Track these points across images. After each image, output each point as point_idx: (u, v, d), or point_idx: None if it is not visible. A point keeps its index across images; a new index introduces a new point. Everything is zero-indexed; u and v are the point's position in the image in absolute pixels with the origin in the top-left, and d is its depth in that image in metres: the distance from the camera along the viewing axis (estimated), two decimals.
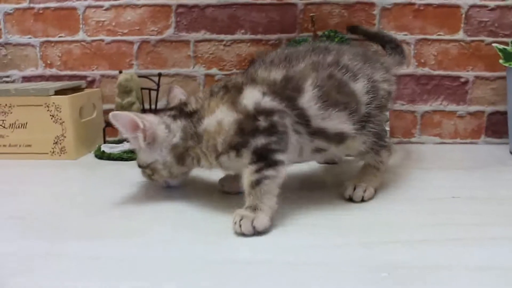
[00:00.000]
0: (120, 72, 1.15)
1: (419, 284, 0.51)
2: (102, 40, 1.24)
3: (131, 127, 0.75)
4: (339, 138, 0.75)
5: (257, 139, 0.68)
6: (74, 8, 1.23)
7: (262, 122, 0.69)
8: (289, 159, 0.71)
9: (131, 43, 1.24)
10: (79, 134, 1.12)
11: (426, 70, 1.20)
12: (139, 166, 0.81)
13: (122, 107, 1.09)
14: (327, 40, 1.06)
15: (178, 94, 0.87)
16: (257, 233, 0.64)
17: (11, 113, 1.10)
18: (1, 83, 1.28)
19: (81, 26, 1.24)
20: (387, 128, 1.05)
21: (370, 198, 0.79)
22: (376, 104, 0.77)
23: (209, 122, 0.72)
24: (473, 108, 1.21)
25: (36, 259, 0.59)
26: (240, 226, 0.64)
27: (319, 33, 1.13)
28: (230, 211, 0.68)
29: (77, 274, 0.55)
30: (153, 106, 1.15)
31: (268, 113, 0.69)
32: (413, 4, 1.18)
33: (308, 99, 0.71)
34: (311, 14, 1.14)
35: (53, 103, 1.08)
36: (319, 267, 0.55)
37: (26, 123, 1.10)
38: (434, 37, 1.19)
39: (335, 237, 0.64)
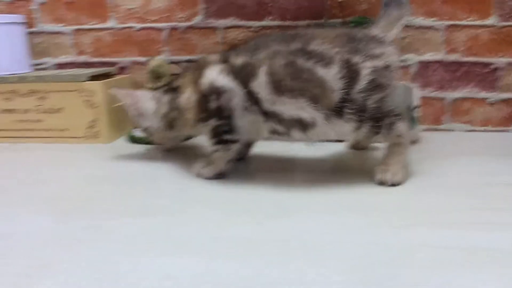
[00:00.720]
0: (150, 58, 1.17)
1: (454, 266, 0.52)
2: (132, 27, 1.27)
3: (124, 101, 0.94)
4: (300, 124, 0.77)
5: (211, 121, 0.82)
6: None
7: (213, 104, 0.81)
8: (245, 135, 0.85)
9: (160, 30, 1.26)
10: (111, 119, 1.15)
11: (455, 57, 1.19)
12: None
13: None
14: (355, 26, 1.06)
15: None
16: (206, 178, 0.85)
17: (48, 98, 1.13)
18: (36, 70, 1.32)
19: (111, 13, 1.27)
20: (415, 115, 1.04)
21: (401, 181, 0.79)
22: (361, 87, 0.75)
23: (183, 98, 0.87)
24: (504, 95, 1.19)
25: (84, 234, 0.62)
26: (201, 172, 0.85)
27: (348, 19, 1.13)
28: (259, 192, 0.71)
29: (124, 248, 0.58)
30: None
31: (218, 92, 0.80)
32: None
33: (259, 84, 0.77)
34: (340, 0, 1.14)
35: (87, 88, 1.11)
36: (348, 246, 0.57)
37: (62, 108, 1.14)
38: (464, 22, 1.17)
39: (366, 219, 0.65)
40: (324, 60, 0.75)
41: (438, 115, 1.23)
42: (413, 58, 1.21)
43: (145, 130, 0.96)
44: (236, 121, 0.81)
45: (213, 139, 0.84)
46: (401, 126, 0.78)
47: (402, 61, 1.21)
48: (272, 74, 0.77)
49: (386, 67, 0.77)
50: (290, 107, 0.77)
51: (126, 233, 0.62)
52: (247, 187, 0.80)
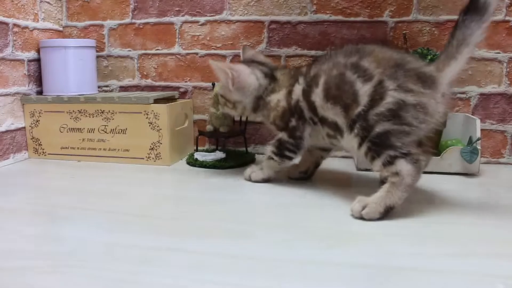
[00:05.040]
0: (213, 84, 1.20)
1: None
2: (196, 54, 1.31)
3: (223, 74, 0.94)
4: (337, 128, 0.84)
5: (283, 133, 0.92)
6: (171, 23, 1.31)
7: (293, 121, 0.90)
8: (313, 143, 0.94)
9: (224, 56, 1.30)
10: (173, 142, 1.17)
11: None
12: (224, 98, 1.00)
13: (216, 117, 1.13)
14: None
15: (255, 55, 1.04)
16: (253, 181, 0.98)
17: (113, 119, 1.17)
18: (101, 92, 1.38)
19: (177, 40, 1.32)
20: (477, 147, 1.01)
21: (372, 218, 0.74)
22: (378, 111, 0.76)
23: (273, 98, 0.94)
24: None
25: (158, 252, 0.63)
26: (250, 175, 0.98)
27: (411, 51, 1.13)
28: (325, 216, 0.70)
29: (197, 269, 0.58)
30: (243, 118, 1.19)
31: (299, 112, 0.89)
32: (507, 21, 1.15)
33: (317, 93, 0.85)
34: (404, 32, 1.14)
35: (152, 111, 1.14)
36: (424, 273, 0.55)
37: (126, 129, 1.17)
38: None
39: (437, 246, 0.63)
40: (366, 76, 0.78)
41: (498, 148, 1.19)
42: (474, 90, 1.19)
43: (231, 102, 0.98)
44: (304, 143, 0.91)
45: (275, 149, 0.94)
46: (404, 166, 0.74)
47: (462, 93, 1.19)
48: (326, 83, 0.84)
49: (415, 106, 0.75)
50: (332, 112, 0.83)
51: (203, 252, 0.62)
52: (310, 210, 0.79)
